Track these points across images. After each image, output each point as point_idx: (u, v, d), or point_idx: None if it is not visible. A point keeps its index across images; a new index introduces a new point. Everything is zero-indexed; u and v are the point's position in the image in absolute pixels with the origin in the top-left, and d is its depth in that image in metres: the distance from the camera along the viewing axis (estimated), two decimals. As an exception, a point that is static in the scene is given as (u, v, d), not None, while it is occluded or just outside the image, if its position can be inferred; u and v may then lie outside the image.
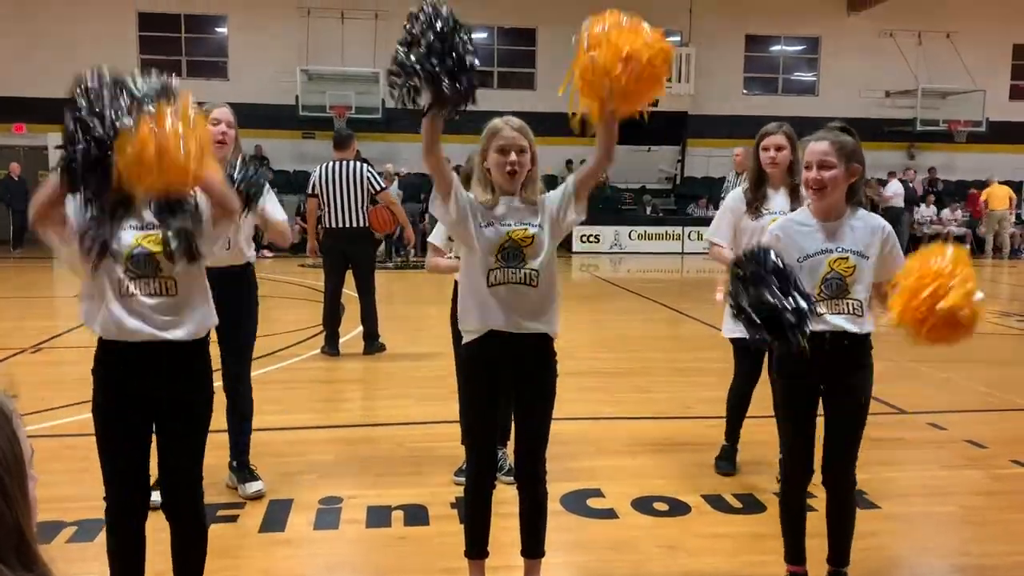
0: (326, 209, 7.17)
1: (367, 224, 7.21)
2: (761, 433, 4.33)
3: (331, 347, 7.20)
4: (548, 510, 2.98)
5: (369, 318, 7.35)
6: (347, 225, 7.13)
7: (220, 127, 3.68)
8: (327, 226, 7.22)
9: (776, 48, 21.79)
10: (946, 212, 19.87)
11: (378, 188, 7.20)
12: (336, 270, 7.32)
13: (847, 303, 2.82)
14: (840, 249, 2.84)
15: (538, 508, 2.95)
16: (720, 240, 4.15)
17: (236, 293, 3.76)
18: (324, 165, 7.25)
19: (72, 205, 2.42)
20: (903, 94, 21.18)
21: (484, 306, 2.75)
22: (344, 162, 7.20)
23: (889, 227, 2.91)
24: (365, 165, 7.33)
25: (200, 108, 2.40)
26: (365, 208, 7.16)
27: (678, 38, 20.72)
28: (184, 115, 2.23)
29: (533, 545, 2.96)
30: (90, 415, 2.55)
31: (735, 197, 4.18)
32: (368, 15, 18.97)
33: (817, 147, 2.83)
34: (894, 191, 17.91)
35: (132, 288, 2.44)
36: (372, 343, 7.37)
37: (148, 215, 2.48)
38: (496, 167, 2.78)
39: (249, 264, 3.95)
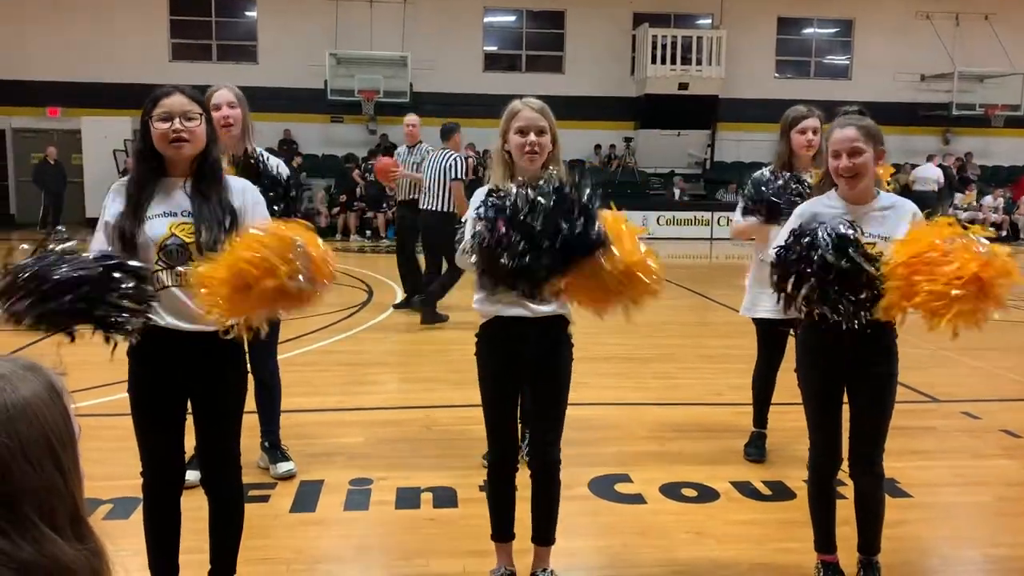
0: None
1: (451, 210, 7.62)
2: (791, 420, 4.30)
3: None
4: (575, 495, 2.98)
5: (437, 283, 7.83)
6: (426, 206, 7.78)
7: (221, 111, 3.54)
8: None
9: (809, 31, 21.43)
10: (987, 199, 19.34)
11: (452, 177, 7.70)
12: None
13: None
14: (867, 234, 2.76)
15: (550, 495, 2.91)
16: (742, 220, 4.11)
17: None
18: (431, 153, 8.05)
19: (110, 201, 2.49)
20: (939, 77, 20.74)
21: (496, 300, 2.74)
22: (442, 150, 7.84)
23: (918, 211, 2.83)
24: (456, 155, 7.81)
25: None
26: (446, 193, 7.68)
27: (709, 20, 20.49)
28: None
29: (544, 532, 2.93)
30: (125, 394, 2.59)
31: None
32: (397, -1, 18.93)
33: (845, 134, 2.76)
34: (927, 175, 17.50)
35: (165, 279, 2.43)
36: (430, 314, 7.82)
37: (182, 200, 2.47)
38: (516, 148, 2.76)
39: None
